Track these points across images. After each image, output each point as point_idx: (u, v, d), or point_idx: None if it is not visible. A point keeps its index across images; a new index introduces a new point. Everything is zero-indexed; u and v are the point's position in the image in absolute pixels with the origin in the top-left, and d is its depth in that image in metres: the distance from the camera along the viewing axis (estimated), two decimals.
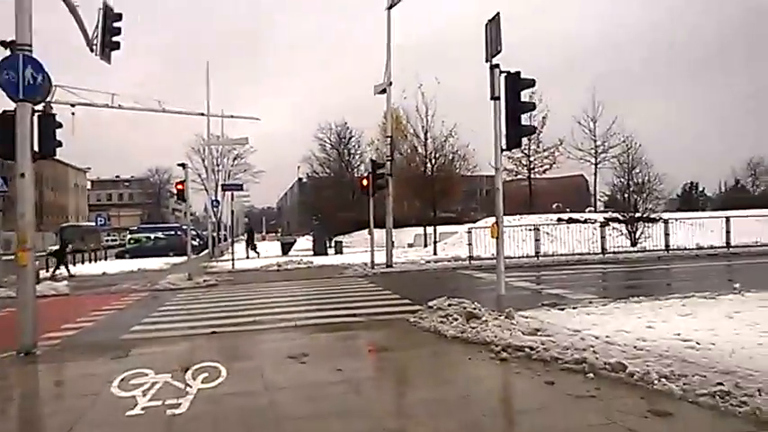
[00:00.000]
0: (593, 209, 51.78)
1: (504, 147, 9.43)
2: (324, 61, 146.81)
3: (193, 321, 10.99)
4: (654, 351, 6.33)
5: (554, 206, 54.68)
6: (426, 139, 29.57)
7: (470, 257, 20.81)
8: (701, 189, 54.70)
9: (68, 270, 23.12)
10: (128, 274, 23.25)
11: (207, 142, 37.53)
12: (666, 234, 21.96)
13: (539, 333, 7.44)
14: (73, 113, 31.84)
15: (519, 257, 21.19)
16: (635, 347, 6.58)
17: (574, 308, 9.56)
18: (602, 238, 22.19)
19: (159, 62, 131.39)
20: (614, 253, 22.03)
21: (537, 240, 21.42)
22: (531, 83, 9.37)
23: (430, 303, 9.50)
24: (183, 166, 20.02)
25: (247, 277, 20.11)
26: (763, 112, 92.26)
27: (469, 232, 21.31)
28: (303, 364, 6.83)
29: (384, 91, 22.40)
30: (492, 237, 9.52)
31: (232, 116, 41.58)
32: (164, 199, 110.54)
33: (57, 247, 24.98)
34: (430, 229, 33.09)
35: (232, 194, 26.84)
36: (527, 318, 8.70)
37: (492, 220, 29.08)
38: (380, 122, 53.58)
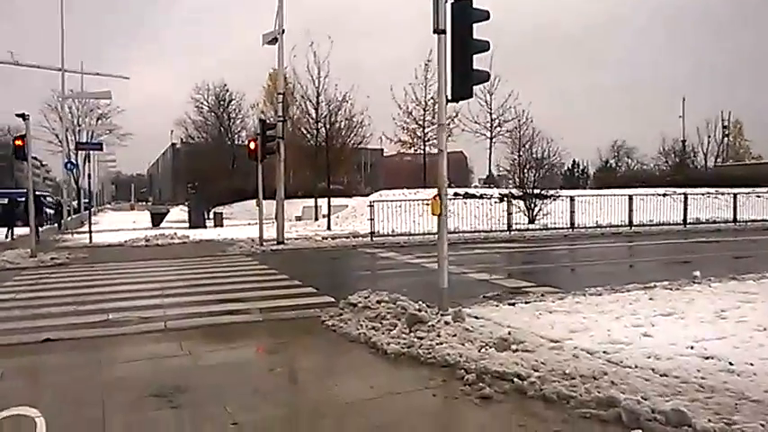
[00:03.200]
0: (477, 184, 51.94)
1: (450, 97, 7.26)
2: (202, 20, 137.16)
3: (22, 320, 7.97)
4: (689, 379, 4.54)
5: None
6: (319, 102, 26.85)
7: (372, 234, 18.73)
8: (582, 168, 56.25)
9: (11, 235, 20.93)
10: None
11: (62, 95, 32.18)
12: (572, 212, 21.19)
13: (512, 346, 5.43)
14: None
15: (423, 234, 19.45)
16: (653, 371, 4.78)
17: (527, 302, 7.75)
18: (509, 214, 20.99)
19: (21, 16, 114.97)
20: (519, 230, 20.92)
21: None
22: (486, 15, 7.25)
23: (351, 299, 7.25)
24: (23, 117, 15.97)
25: (107, 254, 16.66)
26: (623, 101, 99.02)
27: (371, 206, 19.18)
28: (175, 410, 4.34)
29: (275, 40, 19.27)
30: (433, 214, 7.37)
31: (98, 74, 36.41)
32: (17, 162, 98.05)
33: None
34: (319, 202, 30.70)
35: (88, 155, 22.68)
36: (479, 319, 6.73)
37: (424, 192, 27.24)
38: (265, 84, 50.18)
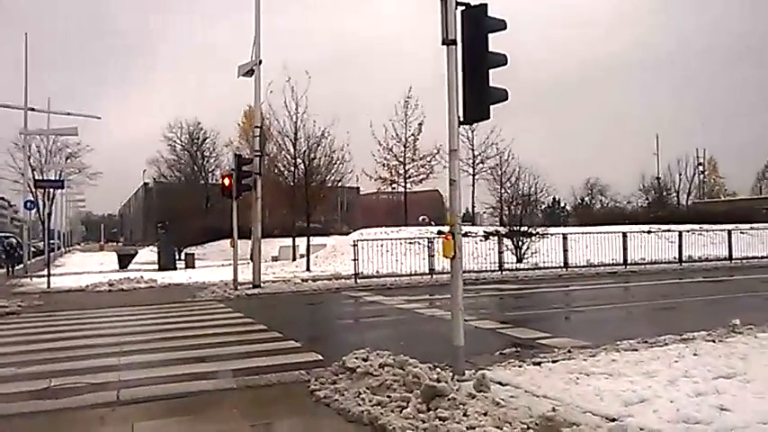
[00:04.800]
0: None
1: (462, 118, 6.18)
2: (175, 58, 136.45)
3: None
4: None
5: (420, 219, 53.30)
6: (297, 138, 25.64)
7: (356, 275, 17.42)
8: (562, 205, 55.63)
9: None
10: None
11: (25, 132, 30.59)
12: (566, 250, 20.15)
13: (563, 430, 4.21)
14: None
15: (409, 275, 18.22)
16: None
17: (554, 361, 6.51)
18: (500, 253, 19.88)
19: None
20: (510, 270, 19.81)
21: (431, 256, 18.41)
22: (503, 24, 6.23)
23: (347, 362, 5.93)
24: None
25: (65, 301, 15.04)
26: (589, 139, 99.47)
27: (355, 245, 17.91)
28: None
29: (251, 72, 18.09)
30: (445, 256, 6.21)
31: (69, 113, 34.56)
32: None
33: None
34: (297, 241, 29.28)
35: (48, 193, 21.14)
36: (505, 386, 5.49)
37: (406, 230, 25.96)
38: (240, 122, 49.11)
